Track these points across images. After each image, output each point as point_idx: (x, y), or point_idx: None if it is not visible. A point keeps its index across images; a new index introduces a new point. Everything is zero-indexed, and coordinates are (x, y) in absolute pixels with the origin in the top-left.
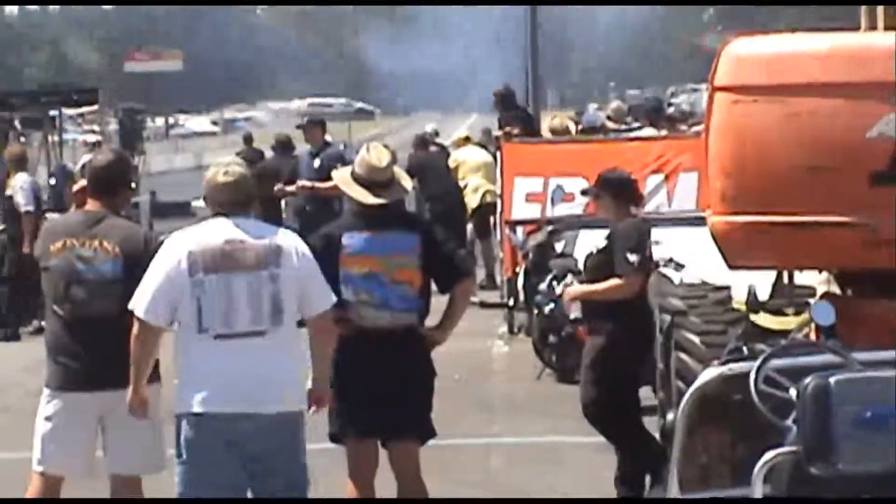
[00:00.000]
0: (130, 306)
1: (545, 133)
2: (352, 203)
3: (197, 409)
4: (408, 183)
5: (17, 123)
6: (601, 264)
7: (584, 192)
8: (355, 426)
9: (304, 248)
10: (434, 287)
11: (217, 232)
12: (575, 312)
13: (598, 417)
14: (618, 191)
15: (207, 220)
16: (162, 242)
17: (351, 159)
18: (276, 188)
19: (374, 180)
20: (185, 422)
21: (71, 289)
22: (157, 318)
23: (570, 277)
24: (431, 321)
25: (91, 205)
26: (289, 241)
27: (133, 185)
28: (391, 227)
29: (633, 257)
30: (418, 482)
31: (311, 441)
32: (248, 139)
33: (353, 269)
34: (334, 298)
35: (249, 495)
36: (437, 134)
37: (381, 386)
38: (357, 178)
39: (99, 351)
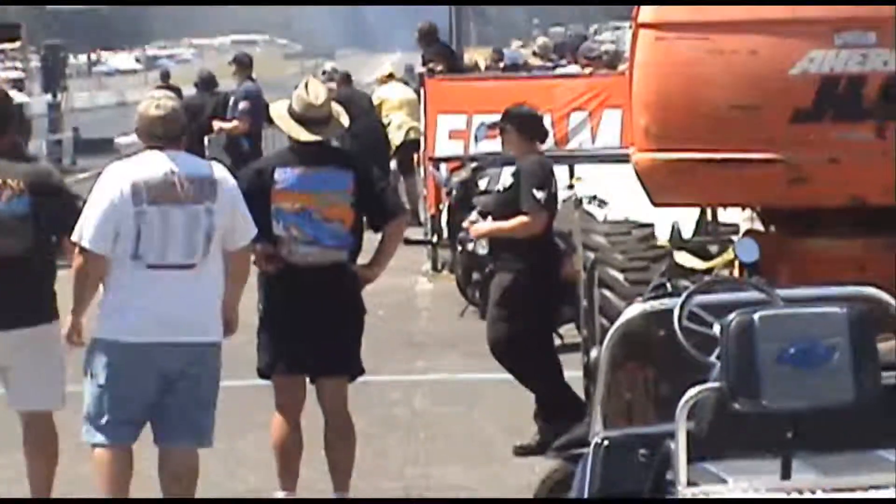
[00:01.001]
0: (74, 237)
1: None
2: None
3: (125, 337)
4: (345, 120)
5: None
6: (508, 201)
7: (490, 126)
8: (284, 361)
9: (233, 182)
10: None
11: (157, 164)
12: (482, 249)
13: (505, 355)
14: (522, 125)
15: (142, 152)
16: (60, 176)
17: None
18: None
19: (310, 117)
20: (108, 347)
21: None
22: (103, 247)
23: (475, 214)
24: (363, 259)
25: None
26: (221, 175)
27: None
28: (325, 164)
29: (539, 194)
30: (345, 418)
31: (240, 377)
32: (164, 76)
33: (284, 205)
34: (255, 231)
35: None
36: (336, 72)
37: (310, 322)
38: (293, 114)
39: (6, 291)
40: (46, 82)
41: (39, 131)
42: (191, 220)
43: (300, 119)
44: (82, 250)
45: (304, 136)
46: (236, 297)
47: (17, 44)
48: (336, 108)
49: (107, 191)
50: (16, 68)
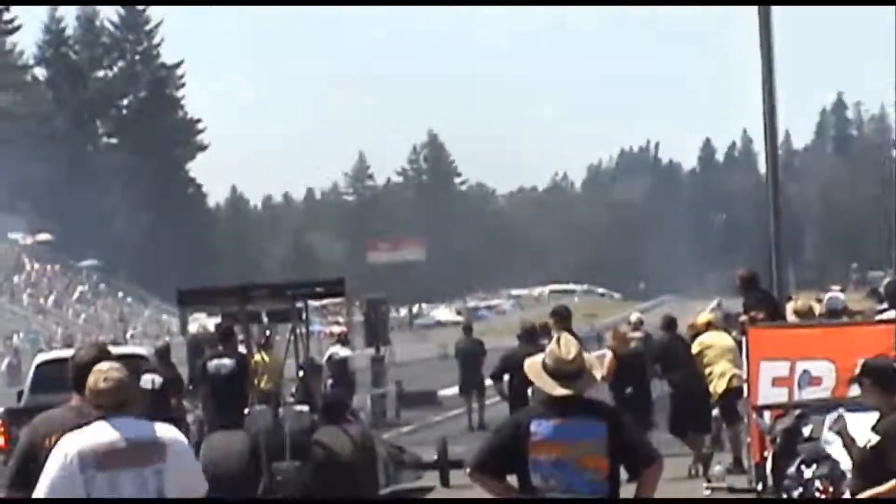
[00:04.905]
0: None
1: (790, 316)
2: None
3: None
4: (598, 373)
5: (263, 316)
6: (873, 460)
7: (850, 382)
8: None
9: (183, 440)
10: None
11: (104, 433)
12: None
13: None
14: (882, 379)
15: (93, 422)
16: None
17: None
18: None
19: (562, 371)
20: None
21: None
22: None
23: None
24: None
25: (76, 400)
26: (169, 435)
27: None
28: (578, 415)
29: None
30: None
31: None
32: (466, 329)
33: (541, 456)
34: (206, 486)
35: None
36: (641, 322)
37: None
38: (546, 369)
39: None
40: (369, 336)
41: (363, 386)
42: (141, 482)
43: (553, 373)
44: None
45: (557, 391)
46: None
47: (341, 298)
48: (589, 360)
49: (57, 461)
50: (338, 322)
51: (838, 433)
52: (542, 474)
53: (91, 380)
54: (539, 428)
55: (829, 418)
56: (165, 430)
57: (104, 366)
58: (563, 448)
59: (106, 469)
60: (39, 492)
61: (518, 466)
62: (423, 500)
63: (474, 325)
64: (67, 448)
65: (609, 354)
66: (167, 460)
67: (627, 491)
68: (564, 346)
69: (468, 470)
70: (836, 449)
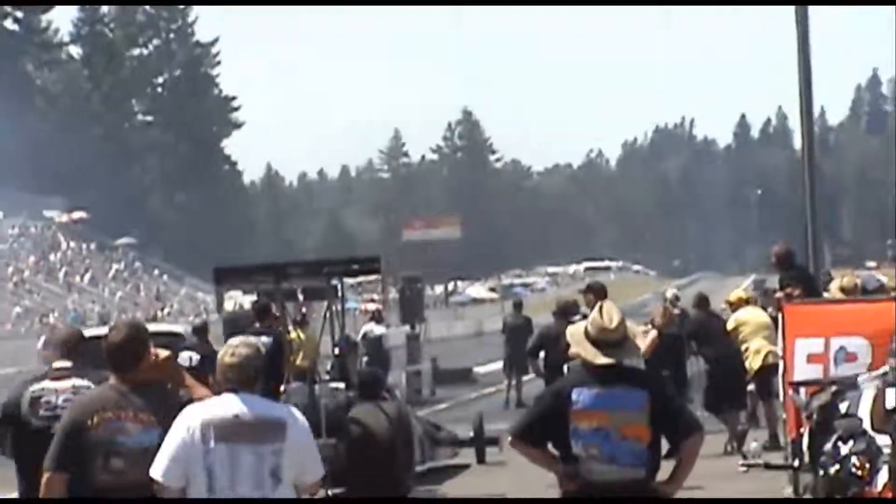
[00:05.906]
0: (151, 471)
1: (834, 292)
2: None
3: None
4: (641, 342)
5: (299, 294)
6: None
7: (887, 357)
8: None
9: (304, 423)
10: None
11: (227, 406)
12: None
13: None
14: None
15: (220, 394)
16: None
17: None
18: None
19: (604, 339)
20: None
21: (110, 460)
22: (174, 480)
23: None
24: None
25: (114, 380)
26: (292, 417)
27: (146, 354)
28: (619, 383)
29: None
30: None
31: None
32: (517, 305)
33: (582, 425)
34: (322, 471)
35: None
36: (677, 298)
37: None
38: (588, 336)
39: None
40: (404, 313)
41: (398, 363)
42: (258, 458)
43: (595, 342)
44: (157, 482)
45: (599, 359)
46: None
47: (375, 276)
48: (632, 329)
49: (180, 430)
50: (373, 300)
51: (877, 386)
52: (583, 443)
53: (220, 353)
54: (580, 396)
55: (884, 369)
56: (289, 412)
57: (235, 341)
58: (604, 417)
59: (226, 441)
60: (160, 460)
61: (559, 435)
62: (433, 501)
63: (509, 302)
64: (190, 419)
65: (653, 332)
66: (286, 441)
67: (664, 469)
68: (607, 314)
69: (510, 438)
70: (867, 394)
